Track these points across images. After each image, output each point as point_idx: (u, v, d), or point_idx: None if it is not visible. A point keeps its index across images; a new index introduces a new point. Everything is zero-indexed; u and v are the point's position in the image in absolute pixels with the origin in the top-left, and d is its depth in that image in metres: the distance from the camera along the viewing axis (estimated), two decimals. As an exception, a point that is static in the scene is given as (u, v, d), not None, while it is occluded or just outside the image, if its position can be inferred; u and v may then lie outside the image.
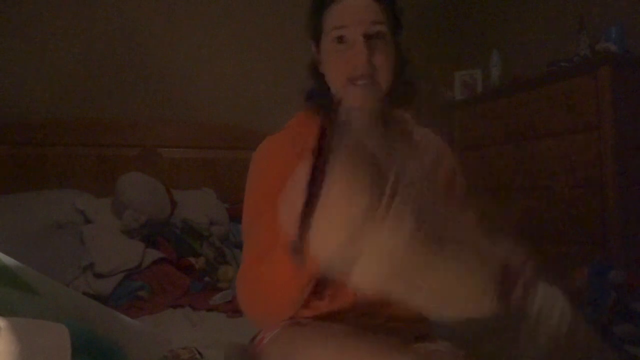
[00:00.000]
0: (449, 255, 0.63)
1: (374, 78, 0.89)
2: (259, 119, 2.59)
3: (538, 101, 2.41)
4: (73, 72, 2.43)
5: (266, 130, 1.07)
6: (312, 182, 0.61)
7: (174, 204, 2.18)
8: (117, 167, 2.31)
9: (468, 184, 1.10)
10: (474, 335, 0.66)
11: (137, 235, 1.97)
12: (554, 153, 2.31)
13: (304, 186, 0.62)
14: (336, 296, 0.87)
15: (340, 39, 0.89)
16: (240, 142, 2.52)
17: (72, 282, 1.76)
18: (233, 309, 1.57)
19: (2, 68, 2.28)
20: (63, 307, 0.62)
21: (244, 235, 0.96)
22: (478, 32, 3.25)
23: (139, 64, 2.55)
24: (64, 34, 2.41)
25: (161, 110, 2.58)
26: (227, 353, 1.04)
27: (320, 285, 0.84)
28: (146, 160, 2.45)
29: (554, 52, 2.55)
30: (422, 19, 3.19)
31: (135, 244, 1.91)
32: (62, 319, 0.54)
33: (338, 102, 0.83)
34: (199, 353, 1.14)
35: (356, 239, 0.57)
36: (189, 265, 1.96)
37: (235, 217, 2.20)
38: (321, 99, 0.99)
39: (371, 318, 0.88)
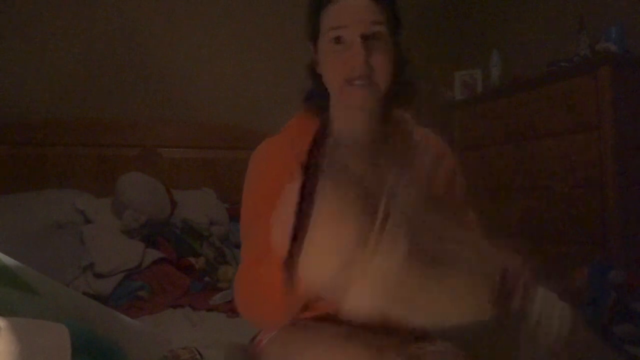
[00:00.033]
0: (445, 271, 0.61)
1: (372, 79, 0.88)
2: (259, 119, 2.59)
3: (538, 101, 2.41)
4: (73, 72, 2.43)
5: (266, 130, 1.07)
6: (304, 200, 0.59)
7: (174, 204, 2.18)
8: (117, 167, 2.31)
9: (468, 184, 1.10)
10: (474, 337, 0.66)
11: (137, 235, 1.97)
12: (554, 153, 2.31)
13: (293, 208, 0.60)
14: None
15: (338, 40, 0.88)
16: (240, 142, 2.52)
17: (72, 282, 1.76)
18: (233, 309, 1.57)
19: (2, 68, 2.28)
20: (63, 307, 0.62)
21: (242, 237, 0.96)
22: (478, 32, 3.25)
23: (139, 64, 2.55)
24: (64, 34, 2.41)
25: (161, 110, 2.58)
26: (227, 353, 1.04)
27: None
28: (146, 160, 2.45)
29: (554, 52, 2.55)
30: (422, 19, 3.19)
31: (135, 244, 1.91)
32: (62, 319, 0.54)
33: (330, 122, 0.81)
34: (199, 353, 1.14)
35: (349, 265, 0.56)
36: (189, 265, 1.96)
37: (235, 217, 2.19)
38: (319, 100, 0.99)
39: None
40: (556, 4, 2.73)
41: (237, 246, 2.15)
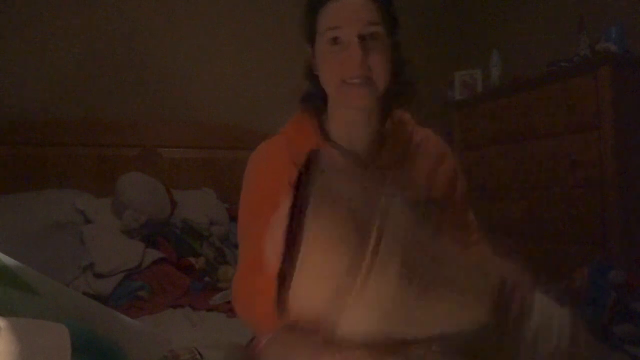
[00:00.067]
0: (441, 287, 0.60)
1: (370, 79, 0.88)
2: (259, 119, 2.59)
3: (538, 101, 2.40)
4: (73, 72, 2.43)
5: (266, 130, 1.07)
6: (295, 222, 0.57)
7: (174, 204, 2.18)
8: (117, 167, 2.31)
9: (468, 184, 1.10)
10: (472, 346, 0.65)
11: (137, 235, 1.97)
12: (554, 153, 2.31)
13: (283, 231, 0.58)
14: None
15: (335, 40, 0.88)
16: (240, 142, 2.52)
17: (72, 282, 1.76)
18: (233, 309, 1.55)
19: (2, 68, 2.28)
20: (63, 307, 0.62)
21: (240, 238, 0.96)
22: (478, 32, 3.25)
23: (138, 64, 2.55)
24: (64, 34, 2.41)
25: (161, 110, 2.58)
26: (227, 353, 1.04)
27: None
28: (146, 160, 2.45)
29: (554, 52, 2.55)
30: (422, 19, 3.19)
31: (135, 244, 1.91)
32: (62, 319, 0.54)
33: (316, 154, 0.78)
34: (199, 353, 1.14)
35: (341, 292, 0.54)
36: (189, 265, 1.96)
37: (235, 217, 2.18)
38: (317, 101, 0.98)
39: None
40: (556, 4, 2.73)
41: (237, 246, 2.14)
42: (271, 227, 0.63)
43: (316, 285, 0.55)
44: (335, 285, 0.54)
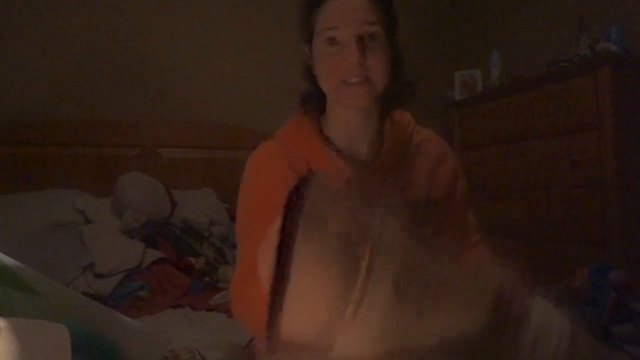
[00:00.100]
0: (438, 301, 0.59)
1: (369, 79, 0.87)
2: (259, 119, 2.59)
3: (538, 101, 2.40)
4: (73, 72, 2.43)
5: (266, 130, 1.07)
6: (286, 243, 0.55)
7: (174, 204, 2.18)
8: (117, 167, 2.31)
9: (468, 184, 1.10)
10: (471, 343, 0.65)
11: (137, 235, 1.97)
12: (554, 153, 2.31)
13: (273, 252, 0.57)
14: None
15: (332, 40, 0.87)
16: (240, 142, 2.52)
17: (72, 282, 1.76)
18: (233, 309, 1.57)
19: (2, 68, 2.28)
20: (63, 307, 0.62)
21: (237, 239, 0.96)
22: (478, 32, 3.25)
23: (138, 64, 2.55)
24: (64, 34, 2.41)
25: (161, 110, 2.58)
26: (227, 353, 1.04)
27: None
28: (146, 160, 2.45)
29: (554, 52, 2.55)
30: (422, 19, 3.19)
31: (135, 244, 1.91)
32: (62, 319, 0.54)
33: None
34: (199, 353, 1.14)
35: (333, 318, 0.53)
36: (189, 265, 1.96)
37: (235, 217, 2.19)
38: (315, 102, 0.98)
39: None
40: (556, 4, 2.73)
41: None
42: (263, 245, 0.62)
43: (307, 309, 0.53)
44: (327, 310, 0.53)
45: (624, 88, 2.10)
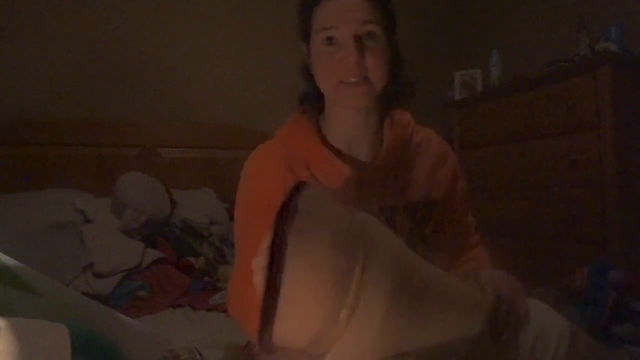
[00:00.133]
0: (434, 305, 0.59)
1: (367, 79, 0.87)
2: (259, 119, 2.59)
3: (538, 101, 2.40)
4: (73, 72, 2.43)
5: (266, 130, 1.07)
6: (278, 250, 0.55)
7: (174, 204, 2.18)
8: (117, 167, 2.31)
9: (468, 184, 1.10)
10: (470, 346, 0.64)
11: (137, 235, 1.97)
12: (554, 153, 2.31)
13: (265, 264, 0.56)
14: None
15: (330, 40, 0.86)
16: (240, 142, 2.52)
17: (72, 282, 1.76)
18: (233, 310, 1.57)
19: (2, 68, 2.28)
20: (63, 307, 0.62)
21: (236, 240, 0.96)
22: (478, 32, 3.25)
23: (138, 63, 2.55)
24: (64, 34, 2.41)
25: (161, 110, 2.58)
26: (227, 354, 1.04)
27: None
28: (146, 160, 2.45)
29: (554, 52, 2.55)
30: (422, 19, 3.19)
31: (135, 244, 1.91)
32: (62, 319, 0.54)
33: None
34: (199, 353, 1.14)
35: (326, 325, 0.53)
36: (189, 265, 1.95)
37: (235, 217, 2.19)
38: (314, 102, 0.98)
39: None
40: (556, 4, 2.73)
41: (237, 246, 2.14)
42: (259, 256, 0.61)
43: (300, 315, 0.53)
44: (320, 315, 0.52)
45: (624, 88, 2.10)
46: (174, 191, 2.24)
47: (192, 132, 2.58)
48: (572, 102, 2.21)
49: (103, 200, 2.11)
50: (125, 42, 2.53)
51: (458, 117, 2.97)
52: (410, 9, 2.68)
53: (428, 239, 0.97)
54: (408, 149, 0.99)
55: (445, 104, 3.06)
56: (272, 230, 0.55)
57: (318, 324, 0.53)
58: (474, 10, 3.30)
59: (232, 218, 2.28)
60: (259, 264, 0.60)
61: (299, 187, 0.59)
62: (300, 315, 0.53)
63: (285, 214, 0.55)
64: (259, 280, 0.59)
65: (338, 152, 0.94)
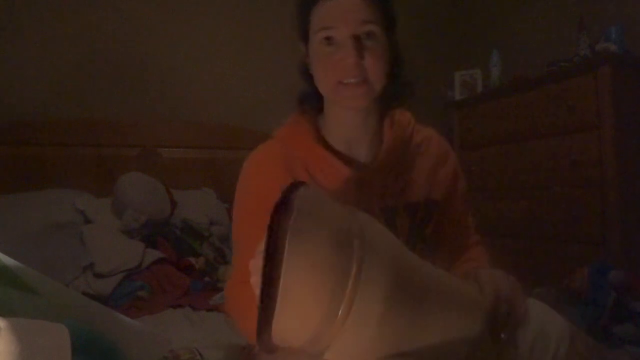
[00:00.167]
0: (433, 305, 0.59)
1: (366, 79, 0.86)
2: (259, 119, 2.59)
3: (538, 101, 2.40)
4: (73, 72, 2.43)
5: (266, 130, 1.06)
6: (274, 249, 0.55)
7: (174, 204, 2.18)
8: (117, 167, 2.31)
9: (468, 184, 1.10)
10: (470, 347, 0.64)
11: (137, 235, 1.97)
12: (554, 153, 2.31)
13: (260, 266, 0.56)
14: None
15: (329, 40, 0.86)
16: (240, 142, 2.51)
17: (72, 282, 1.76)
18: (233, 310, 1.57)
19: (2, 68, 2.28)
20: (63, 307, 0.62)
21: (234, 241, 0.96)
22: (478, 32, 3.25)
23: (138, 63, 2.55)
24: (64, 34, 2.41)
25: (161, 110, 2.58)
26: (227, 354, 1.04)
27: None
28: (146, 160, 2.45)
29: (554, 52, 2.55)
30: (422, 18, 3.19)
31: (135, 244, 1.91)
32: (62, 319, 0.54)
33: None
34: (199, 353, 1.14)
35: (324, 323, 0.52)
36: (189, 265, 1.95)
37: (235, 217, 2.19)
38: (313, 102, 0.98)
39: None
40: (556, 4, 2.73)
41: (237, 247, 2.14)
42: (255, 259, 0.62)
43: (299, 318, 0.53)
44: (318, 313, 0.52)
45: (624, 88, 2.10)
46: (174, 191, 2.24)
47: (192, 132, 2.58)
48: (572, 102, 2.21)
49: (103, 200, 2.11)
50: (125, 42, 2.52)
51: (458, 117, 2.97)
52: (410, 9, 2.68)
53: (428, 239, 0.97)
54: (408, 149, 0.99)
55: (445, 104, 3.06)
56: (267, 229, 0.55)
57: (316, 322, 0.53)
58: (474, 10, 3.30)
59: (232, 218, 2.28)
60: (256, 264, 0.60)
61: (293, 186, 0.59)
62: (299, 314, 0.53)
63: (280, 212, 0.55)
64: (256, 281, 0.59)
65: (337, 153, 0.94)
